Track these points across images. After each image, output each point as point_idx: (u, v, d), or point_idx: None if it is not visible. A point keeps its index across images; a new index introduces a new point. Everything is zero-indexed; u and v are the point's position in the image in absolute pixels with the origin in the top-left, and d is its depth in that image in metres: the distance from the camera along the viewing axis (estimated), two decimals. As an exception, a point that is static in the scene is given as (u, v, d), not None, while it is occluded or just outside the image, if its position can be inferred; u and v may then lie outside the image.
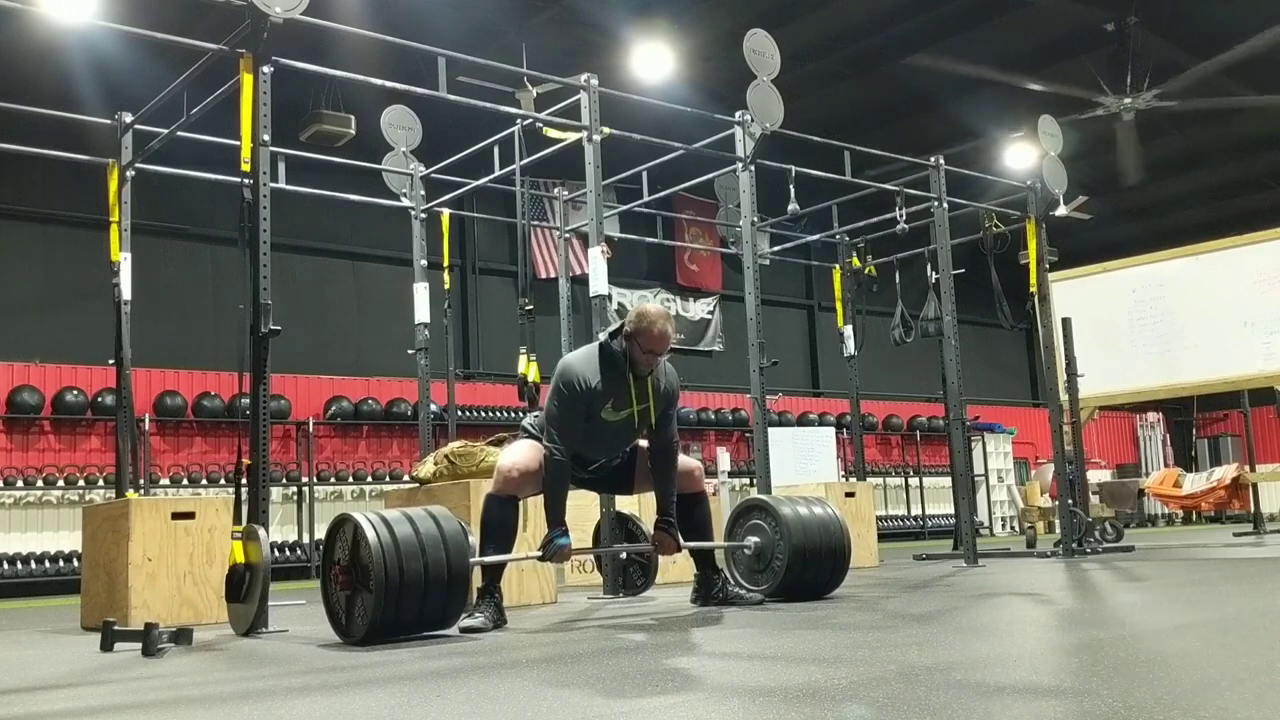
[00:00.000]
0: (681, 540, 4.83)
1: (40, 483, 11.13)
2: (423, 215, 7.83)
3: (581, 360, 4.65)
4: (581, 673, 2.96)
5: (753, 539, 5.22)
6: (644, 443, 4.93)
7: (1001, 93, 13.73)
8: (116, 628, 4.26)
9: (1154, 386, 10.30)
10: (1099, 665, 2.70)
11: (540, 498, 4.65)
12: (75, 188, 11.20)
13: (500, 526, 4.57)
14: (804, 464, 13.00)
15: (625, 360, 4.63)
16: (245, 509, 4.64)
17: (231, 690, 3.05)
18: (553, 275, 13.83)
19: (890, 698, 2.32)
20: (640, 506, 6.42)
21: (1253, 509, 11.79)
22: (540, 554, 4.58)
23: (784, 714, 2.19)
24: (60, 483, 11.18)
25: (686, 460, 5.01)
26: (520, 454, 4.66)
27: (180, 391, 12.09)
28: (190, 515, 5.39)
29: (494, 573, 4.54)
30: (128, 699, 2.95)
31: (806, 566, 5.09)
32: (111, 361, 6.27)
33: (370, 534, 3.93)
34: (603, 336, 4.78)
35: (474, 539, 4.36)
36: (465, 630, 4.21)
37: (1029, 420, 20.35)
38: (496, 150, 7.49)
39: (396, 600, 3.87)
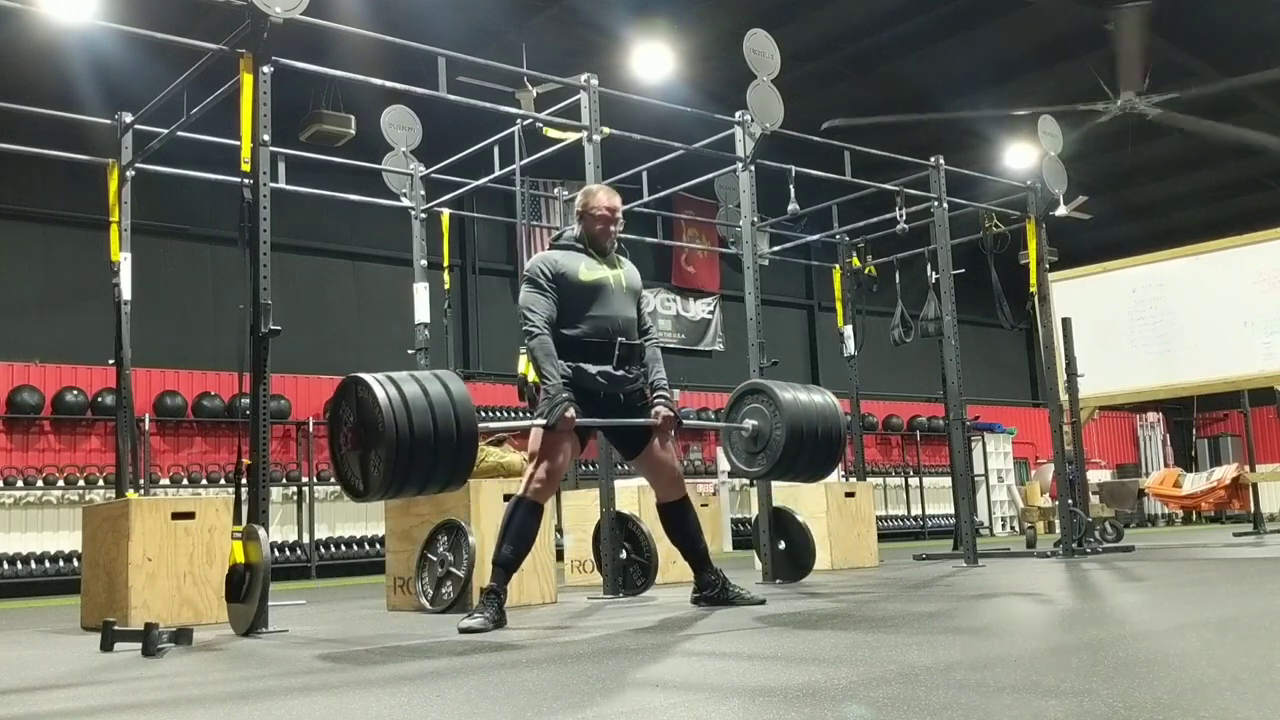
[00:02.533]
0: (680, 416, 4.89)
1: (40, 483, 11.13)
2: (423, 215, 7.83)
3: (541, 253, 4.82)
4: (581, 673, 2.96)
5: (750, 421, 5.25)
6: (648, 447, 4.90)
7: (1002, 93, 13.73)
8: (116, 628, 4.26)
9: (1154, 386, 10.30)
10: (1099, 665, 2.70)
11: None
12: (75, 188, 11.19)
13: (522, 531, 4.54)
14: (804, 464, 12.94)
15: (585, 245, 4.79)
16: (245, 509, 4.63)
17: (231, 690, 3.05)
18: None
19: (890, 698, 2.32)
20: (640, 506, 6.43)
21: (1253, 509, 11.79)
22: (545, 421, 4.49)
23: (784, 714, 2.19)
24: (60, 483, 11.18)
25: (672, 466, 5.01)
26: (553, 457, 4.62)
27: (180, 391, 12.08)
28: (190, 515, 5.38)
29: (503, 575, 4.53)
30: (128, 699, 2.95)
31: (803, 448, 5.11)
32: (111, 361, 6.27)
33: (379, 391, 3.97)
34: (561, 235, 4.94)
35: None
36: (465, 630, 4.21)
37: (1029, 420, 20.35)
38: (496, 150, 7.49)
39: (409, 453, 3.92)
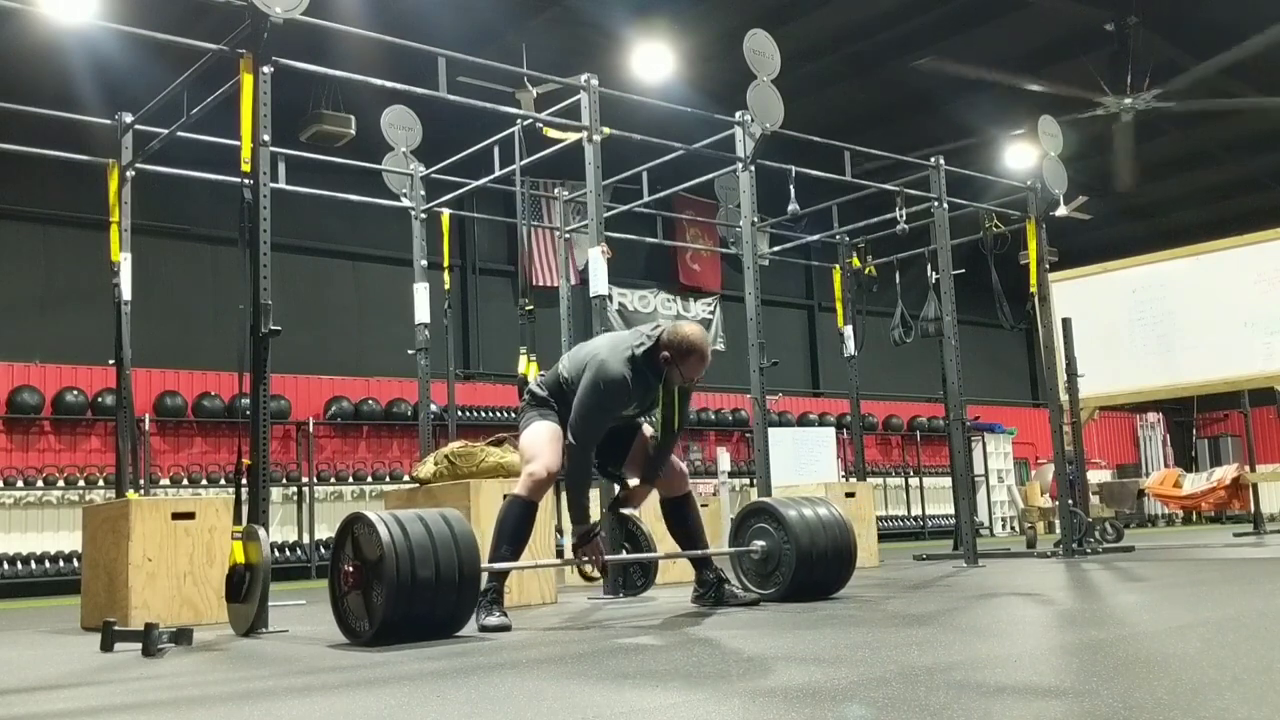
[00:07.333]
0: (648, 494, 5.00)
1: (40, 483, 11.13)
2: (423, 215, 7.83)
3: (620, 371, 4.59)
4: (582, 673, 2.96)
5: (759, 543, 5.20)
6: (648, 430, 4.98)
7: (1002, 93, 13.73)
8: (116, 628, 4.26)
9: (1154, 386, 10.30)
10: (1099, 665, 2.70)
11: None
12: (75, 188, 11.19)
13: (517, 530, 4.55)
14: (804, 464, 13.00)
15: (660, 377, 4.67)
16: (245, 509, 4.64)
17: (231, 690, 3.05)
18: (551, 284, 13.84)
19: (890, 698, 2.32)
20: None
21: (1253, 509, 11.80)
22: (577, 555, 4.68)
23: (784, 714, 2.19)
24: (60, 483, 11.17)
25: (675, 461, 5.02)
26: (550, 453, 4.61)
27: (180, 391, 12.08)
28: (190, 515, 5.39)
29: (503, 574, 4.53)
30: (128, 699, 2.95)
31: (814, 567, 5.09)
32: (111, 361, 6.27)
33: (383, 530, 3.89)
34: (636, 350, 4.65)
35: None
36: (487, 629, 4.20)
37: (1029, 420, 20.34)
38: (496, 150, 7.50)
39: (409, 598, 3.82)
